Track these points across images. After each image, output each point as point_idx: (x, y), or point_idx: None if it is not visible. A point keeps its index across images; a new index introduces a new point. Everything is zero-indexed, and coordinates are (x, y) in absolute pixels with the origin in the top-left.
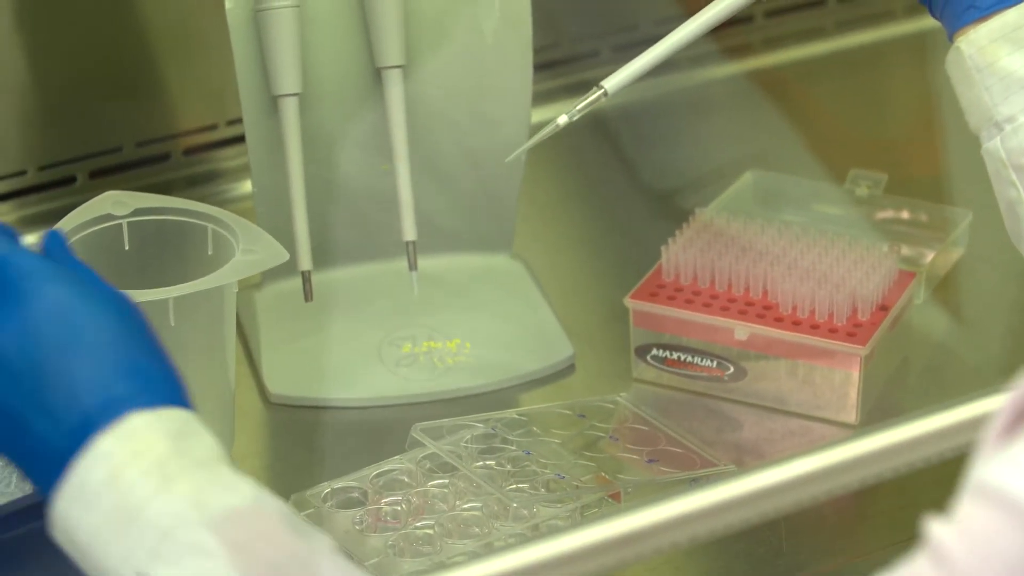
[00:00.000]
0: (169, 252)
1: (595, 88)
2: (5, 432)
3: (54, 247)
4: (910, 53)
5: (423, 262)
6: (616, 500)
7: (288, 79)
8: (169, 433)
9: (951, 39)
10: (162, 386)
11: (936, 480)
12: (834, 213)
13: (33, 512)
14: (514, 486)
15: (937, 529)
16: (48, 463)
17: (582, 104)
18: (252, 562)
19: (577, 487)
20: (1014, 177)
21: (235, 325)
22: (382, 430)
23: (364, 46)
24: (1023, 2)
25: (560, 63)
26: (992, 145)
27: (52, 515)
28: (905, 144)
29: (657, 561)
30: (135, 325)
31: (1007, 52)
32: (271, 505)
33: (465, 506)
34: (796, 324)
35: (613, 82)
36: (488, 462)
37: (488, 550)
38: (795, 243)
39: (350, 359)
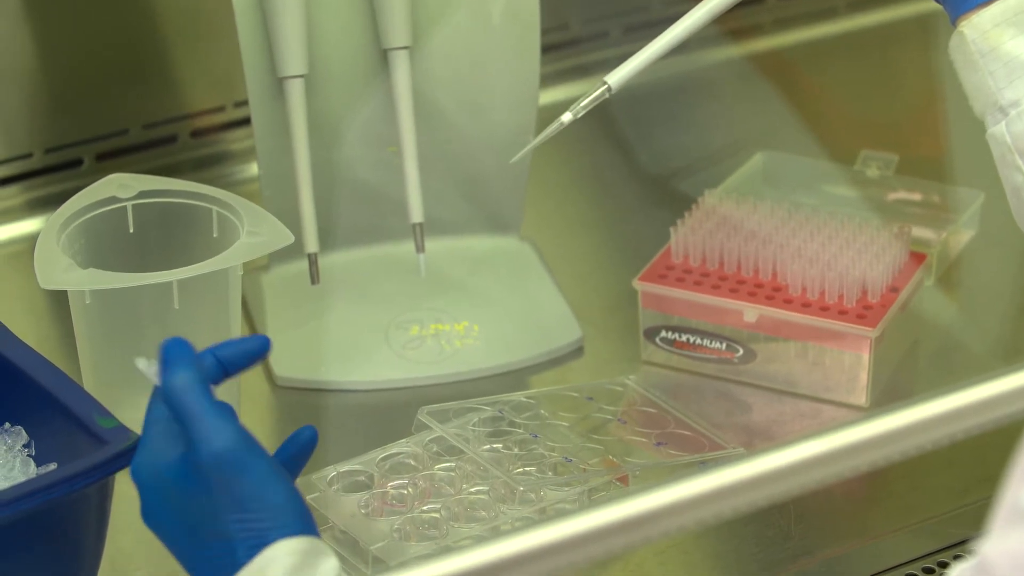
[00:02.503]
0: (174, 234)
1: (599, 84)
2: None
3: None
4: (921, 33)
5: (431, 244)
6: (624, 483)
7: (294, 61)
8: (291, 560)
9: (954, 23)
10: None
11: (946, 462)
12: (844, 194)
13: (36, 496)
14: (521, 469)
15: (986, 547)
16: None
17: (586, 101)
18: None
19: (585, 470)
20: (1019, 162)
21: (240, 307)
22: (388, 413)
23: (370, 27)
24: None
25: (569, 45)
26: (997, 130)
27: None
28: (916, 125)
29: (665, 544)
30: (268, 475)
31: (1011, 36)
32: None
33: (472, 489)
34: (806, 306)
35: (616, 77)
36: (495, 445)
37: (495, 534)
38: (805, 224)
39: (357, 342)
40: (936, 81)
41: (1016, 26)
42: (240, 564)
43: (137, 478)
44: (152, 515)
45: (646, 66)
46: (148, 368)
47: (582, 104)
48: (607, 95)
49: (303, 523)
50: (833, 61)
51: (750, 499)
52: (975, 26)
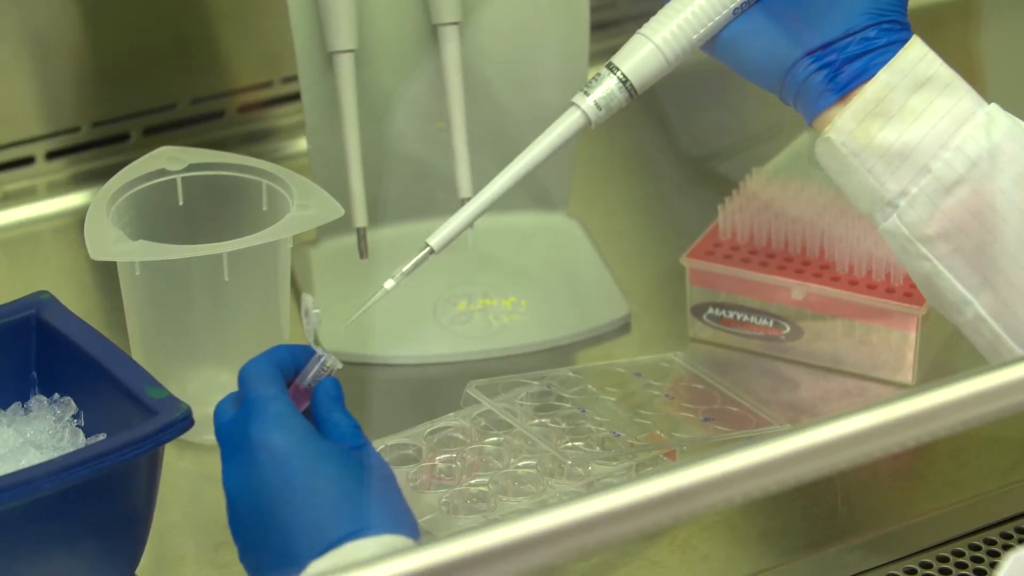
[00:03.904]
0: (223, 207)
1: (423, 246)
2: (248, 556)
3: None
4: (963, 17)
5: (478, 220)
6: (671, 458)
7: (344, 35)
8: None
9: (811, 125)
10: (376, 519)
11: (992, 440)
12: None
13: (85, 466)
14: (569, 444)
15: None
16: None
17: (408, 266)
18: None
19: (632, 445)
20: (923, 250)
21: (289, 280)
22: (437, 388)
23: (420, 2)
24: (876, 73)
25: (617, 23)
26: (890, 224)
27: None
28: None
29: (712, 520)
30: (348, 468)
31: (879, 127)
32: None
33: (520, 464)
34: (853, 284)
35: (438, 239)
36: (543, 420)
37: (542, 507)
38: None
39: (405, 317)
40: (974, 61)
41: (881, 116)
42: (334, 545)
43: (258, 434)
44: (250, 474)
45: (466, 226)
46: (311, 305)
47: (404, 270)
48: (430, 256)
49: (408, 526)
50: None
51: (796, 473)
52: (840, 128)
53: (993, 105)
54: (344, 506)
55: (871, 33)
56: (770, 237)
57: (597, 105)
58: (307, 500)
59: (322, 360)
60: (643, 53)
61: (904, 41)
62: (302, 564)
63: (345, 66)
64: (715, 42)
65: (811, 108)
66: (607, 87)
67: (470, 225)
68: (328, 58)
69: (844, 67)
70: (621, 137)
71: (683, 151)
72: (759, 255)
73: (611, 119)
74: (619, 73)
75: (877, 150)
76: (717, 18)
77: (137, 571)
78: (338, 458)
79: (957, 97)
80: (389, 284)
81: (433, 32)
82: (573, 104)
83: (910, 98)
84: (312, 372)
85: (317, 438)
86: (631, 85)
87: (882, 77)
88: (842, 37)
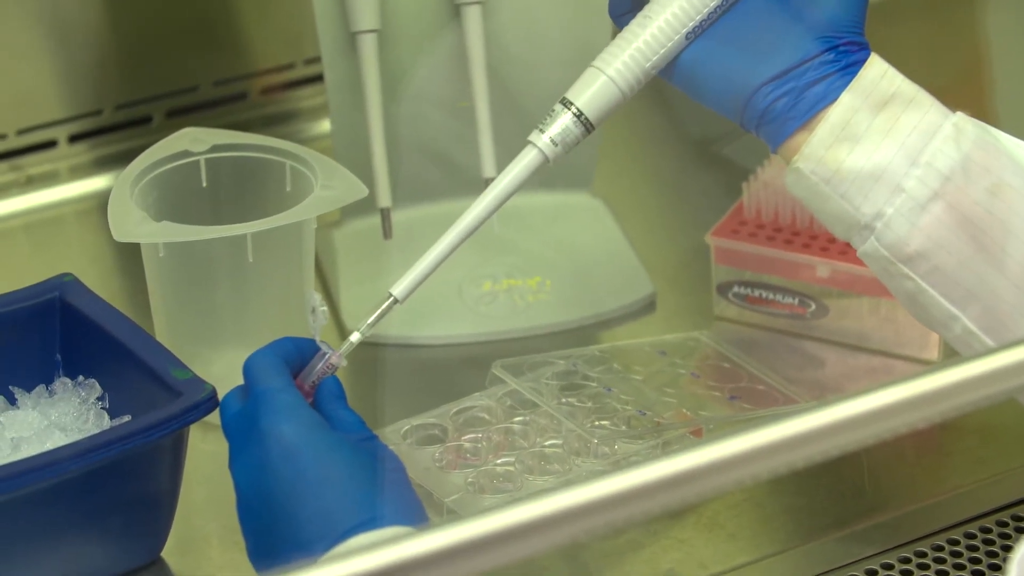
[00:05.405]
0: (247, 189)
1: (387, 296)
2: (259, 548)
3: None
4: (965, 3)
5: (498, 207)
6: (698, 436)
7: (367, 15)
8: None
9: (776, 152)
10: (387, 510)
11: (1019, 415)
12: None
13: (110, 447)
14: (595, 423)
15: None
16: None
17: (374, 317)
18: None
19: (659, 423)
20: (905, 269)
21: (313, 261)
22: (462, 367)
23: None
24: (838, 96)
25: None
26: (869, 247)
27: None
28: (964, 88)
29: (739, 498)
30: (360, 458)
31: (847, 151)
32: None
33: (546, 443)
34: None
35: (401, 288)
36: (569, 399)
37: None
38: None
39: (430, 297)
40: (978, 45)
41: (848, 140)
42: (346, 535)
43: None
44: (262, 466)
45: (428, 274)
46: (318, 303)
47: (369, 321)
48: (395, 305)
49: (419, 517)
50: (888, 25)
51: (821, 449)
52: (809, 157)
53: (959, 114)
54: (356, 496)
55: (829, 57)
56: (795, 215)
57: (553, 142)
58: (319, 490)
59: (327, 357)
60: (597, 86)
61: (863, 61)
62: (313, 553)
63: (368, 46)
64: (672, 70)
65: (775, 136)
66: (562, 123)
67: (432, 271)
68: (351, 38)
69: (804, 93)
70: (645, 116)
71: (710, 127)
72: (784, 233)
73: (636, 98)
74: (573, 108)
75: (848, 175)
76: (670, 44)
77: (162, 552)
78: (349, 449)
79: (922, 111)
80: (355, 337)
81: (456, 12)
82: (530, 142)
83: (875, 118)
84: (317, 368)
85: (328, 429)
86: (586, 119)
87: (845, 100)
88: (800, 63)
